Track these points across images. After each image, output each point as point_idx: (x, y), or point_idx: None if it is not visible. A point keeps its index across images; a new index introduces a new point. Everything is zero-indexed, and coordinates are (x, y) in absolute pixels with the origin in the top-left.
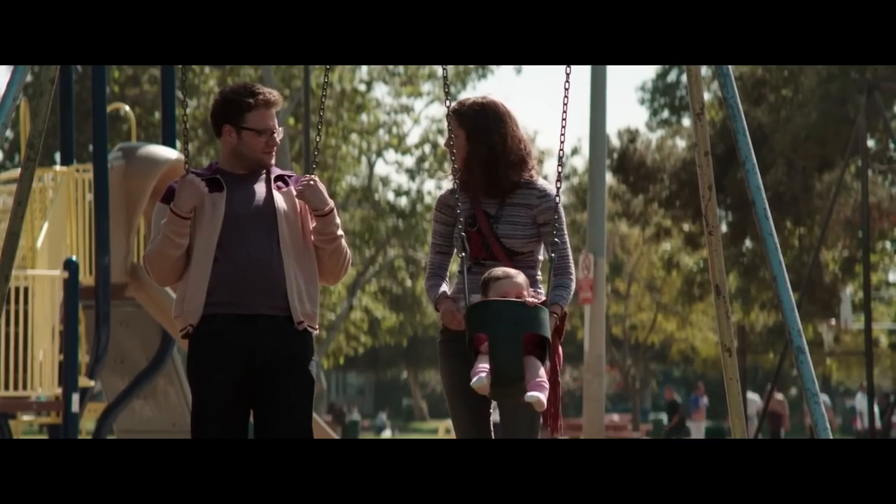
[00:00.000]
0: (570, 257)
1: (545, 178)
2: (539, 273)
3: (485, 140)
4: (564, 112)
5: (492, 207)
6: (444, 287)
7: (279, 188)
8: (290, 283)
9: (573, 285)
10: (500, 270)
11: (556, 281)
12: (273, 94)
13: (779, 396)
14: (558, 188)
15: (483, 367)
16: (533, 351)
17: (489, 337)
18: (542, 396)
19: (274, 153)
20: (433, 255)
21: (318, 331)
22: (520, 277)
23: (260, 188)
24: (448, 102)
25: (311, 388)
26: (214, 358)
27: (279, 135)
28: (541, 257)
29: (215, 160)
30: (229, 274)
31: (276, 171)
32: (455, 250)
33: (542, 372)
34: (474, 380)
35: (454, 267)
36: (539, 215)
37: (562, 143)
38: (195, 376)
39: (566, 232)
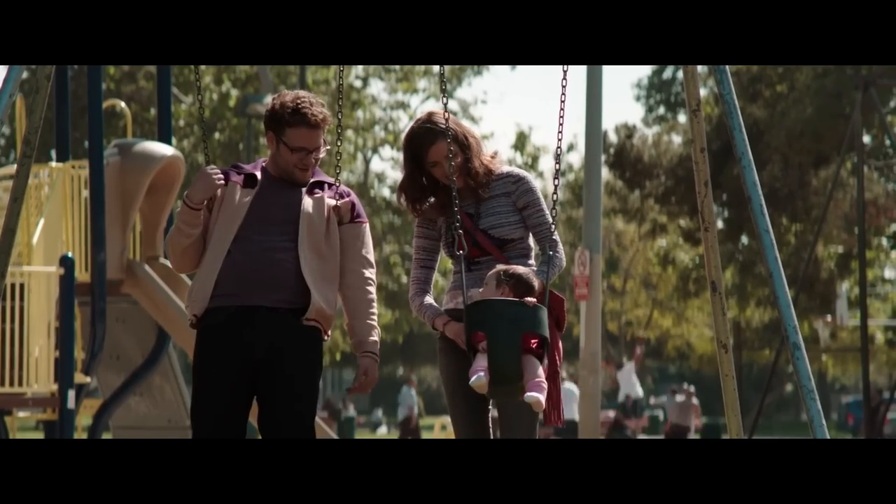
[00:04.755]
0: (556, 235)
1: (510, 164)
2: (533, 262)
3: (463, 143)
4: (562, 110)
5: (471, 207)
6: (431, 300)
7: (312, 193)
8: (310, 282)
9: (560, 261)
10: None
11: (541, 258)
12: (320, 115)
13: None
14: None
15: (482, 366)
16: (531, 350)
17: (488, 336)
18: (541, 396)
19: (310, 170)
20: (418, 270)
21: (328, 337)
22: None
23: (293, 192)
24: (444, 99)
25: (314, 381)
26: (215, 349)
27: (319, 154)
28: (532, 244)
29: (264, 158)
30: (237, 266)
31: (315, 177)
32: (440, 260)
33: (541, 371)
34: (473, 378)
35: (451, 265)
36: (518, 199)
37: (559, 140)
38: (196, 367)
39: (546, 211)
